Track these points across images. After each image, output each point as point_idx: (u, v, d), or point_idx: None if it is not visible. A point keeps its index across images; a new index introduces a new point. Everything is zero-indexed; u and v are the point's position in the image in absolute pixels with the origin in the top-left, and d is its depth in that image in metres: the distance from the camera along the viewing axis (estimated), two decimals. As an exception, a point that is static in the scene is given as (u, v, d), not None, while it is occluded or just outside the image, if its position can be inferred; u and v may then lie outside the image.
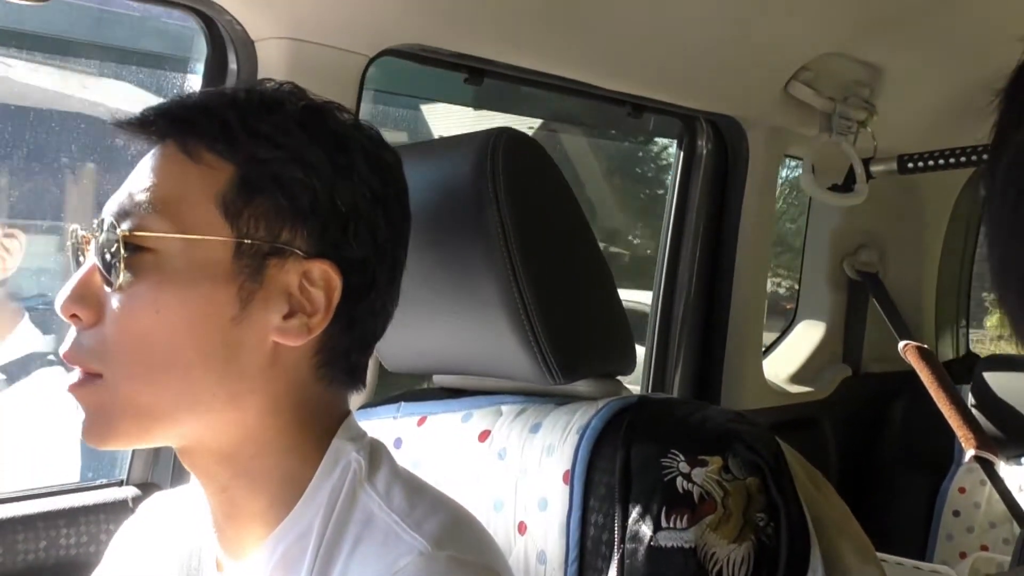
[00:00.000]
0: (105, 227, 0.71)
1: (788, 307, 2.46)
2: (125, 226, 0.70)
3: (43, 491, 1.19)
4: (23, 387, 1.75)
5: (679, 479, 0.84)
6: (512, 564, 0.86)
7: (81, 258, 0.75)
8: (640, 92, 1.67)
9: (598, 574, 0.85)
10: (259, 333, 0.71)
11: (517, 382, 0.97)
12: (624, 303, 1.00)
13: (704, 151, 1.88)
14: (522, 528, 0.91)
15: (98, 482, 1.26)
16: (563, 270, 0.94)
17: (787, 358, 2.24)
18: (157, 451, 1.27)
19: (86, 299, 0.71)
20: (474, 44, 1.38)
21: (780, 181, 2.06)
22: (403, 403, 1.07)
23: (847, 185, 1.95)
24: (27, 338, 1.85)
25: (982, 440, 1.85)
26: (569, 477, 0.88)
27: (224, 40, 1.23)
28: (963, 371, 2.20)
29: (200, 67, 1.26)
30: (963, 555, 2.03)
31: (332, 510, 0.72)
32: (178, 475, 1.23)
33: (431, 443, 1.00)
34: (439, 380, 1.08)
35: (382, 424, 1.05)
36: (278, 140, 0.72)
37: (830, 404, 2.20)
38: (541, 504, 0.90)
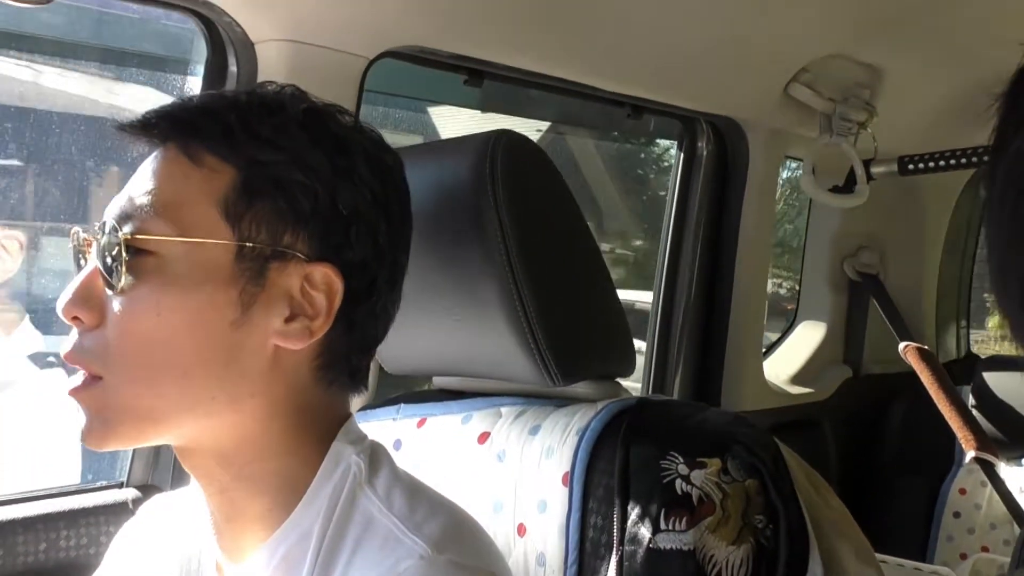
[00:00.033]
0: (107, 230, 0.71)
1: (789, 307, 2.46)
2: (127, 229, 0.70)
3: (43, 493, 1.19)
4: (23, 389, 1.75)
5: (678, 481, 0.84)
6: (512, 566, 0.86)
7: (83, 261, 0.75)
8: (640, 93, 1.67)
9: (597, 576, 0.86)
10: (260, 336, 0.71)
11: (517, 384, 0.97)
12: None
13: (704, 152, 1.88)
14: (521, 530, 0.91)
15: (98, 484, 1.26)
16: (562, 272, 0.94)
17: (787, 359, 2.24)
18: (157, 453, 1.27)
19: (87, 301, 0.71)
20: (474, 46, 1.38)
21: (780, 182, 2.06)
22: (403, 405, 1.07)
23: (847, 186, 1.95)
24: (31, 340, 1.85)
25: (982, 441, 1.85)
26: (568, 479, 0.88)
27: (224, 42, 1.23)
28: (964, 372, 2.20)
29: (200, 69, 1.26)
30: (964, 556, 2.03)
31: (332, 513, 0.72)
32: (178, 477, 1.23)
33: (431, 445, 1.00)
34: (439, 382, 1.08)
35: (382, 426, 1.05)
36: (279, 143, 0.72)
37: (830, 405, 2.20)
38: (540, 506, 0.90)
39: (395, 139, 0.83)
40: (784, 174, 2.44)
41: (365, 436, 0.79)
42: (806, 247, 2.31)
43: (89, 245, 0.73)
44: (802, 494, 0.85)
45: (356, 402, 0.82)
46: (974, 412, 1.97)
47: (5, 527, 1.10)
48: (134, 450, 1.26)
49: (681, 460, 0.84)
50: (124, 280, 0.69)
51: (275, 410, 0.73)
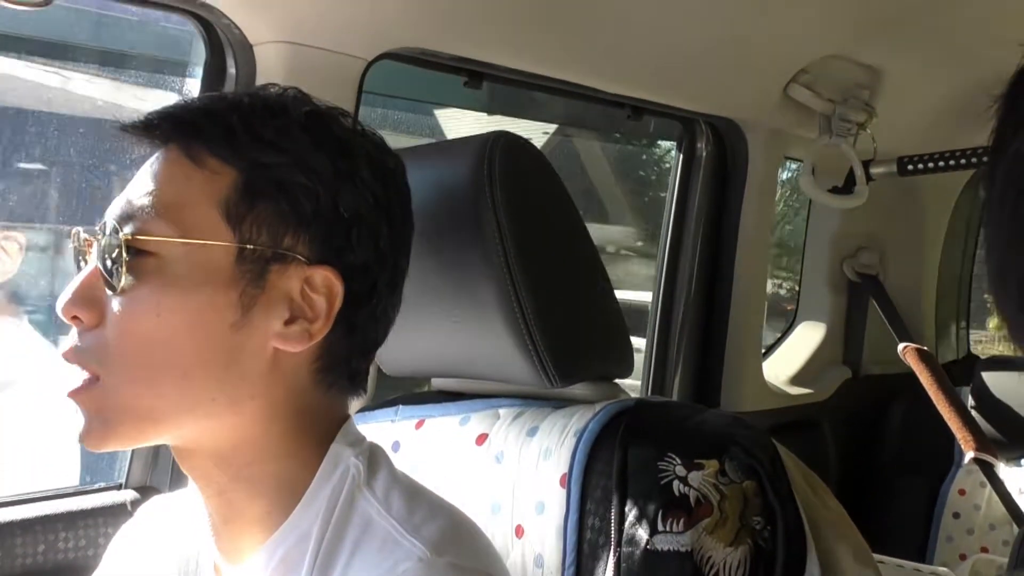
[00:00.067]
0: (108, 230, 0.71)
1: (789, 308, 2.46)
2: (127, 229, 0.70)
3: (41, 495, 1.19)
4: (20, 391, 1.75)
5: (675, 482, 0.84)
6: (510, 567, 0.86)
7: (83, 262, 0.75)
8: (639, 95, 1.67)
9: (595, 578, 0.86)
10: (260, 338, 0.71)
11: (515, 385, 0.97)
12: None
13: (704, 153, 1.88)
14: (519, 531, 0.91)
15: (96, 486, 1.26)
16: (560, 273, 0.94)
17: (787, 360, 2.24)
18: (156, 455, 1.27)
19: (87, 301, 0.71)
20: (473, 47, 1.38)
21: (779, 183, 2.06)
22: (401, 406, 1.07)
23: (847, 187, 1.95)
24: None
25: (981, 442, 1.86)
26: (566, 480, 0.88)
27: (223, 44, 1.23)
28: (963, 373, 2.20)
29: (199, 71, 1.26)
30: (963, 557, 2.03)
31: (331, 515, 0.72)
32: (177, 479, 1.23)
33: (429, 446, 1.00)
34: (437, 383, 1.08)
35: (380, 427, 1.05)
36: (282, 145, 0.72)
37: (830, 406, 2.20)
38: (538, 507, 0.90)
39: (395, 141, 0.83)
40: (783, 175, 2.44)
41: (364, 438, 0.79)
42: (805, 248, 2.31)
43: (90, 245, 0.73)
44: (799, 495, 0.85)
45: (354, 404, 0.82)
46: (973, 413, 1.97)
47: (3, 529, 1.10)
48: (132, 452, 1.26)
49: (679, 461, 0.84)
50: (124, 280, 0.69)
51: (274, 412, 0.73)
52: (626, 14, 1.40)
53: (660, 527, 0.82)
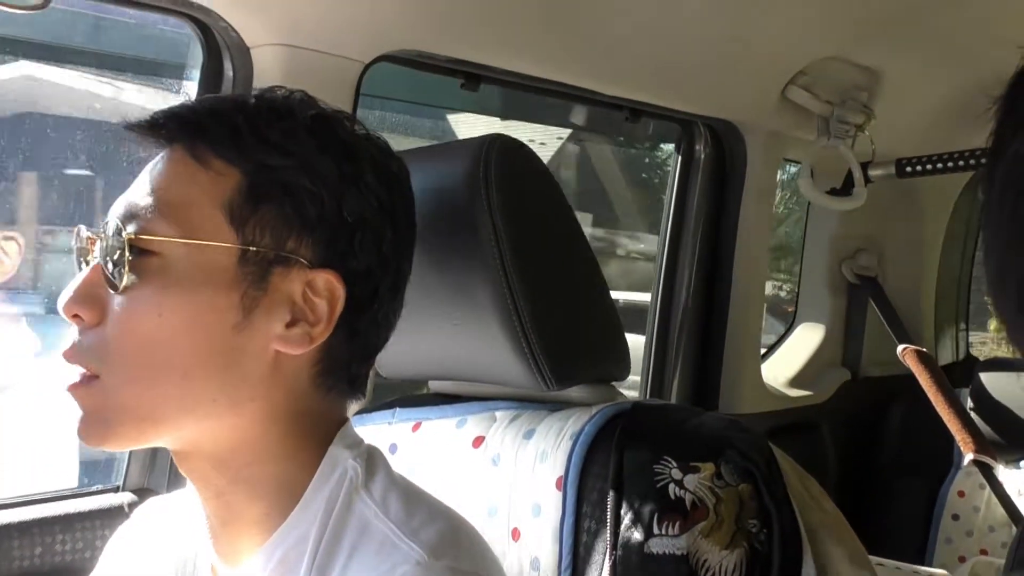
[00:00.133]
0: (111, 229, 0.71)
1: (789, 310, 2.46)
2: (131, 229, 0.70)
3: (39, 497, 1.19)
4: (19, 392, 1.75)
5: (671, 485, 0.83)
6: (506, 570, 0.86)
7: (85, 261, 0.75)
8: (637, 97, 1.67)
9: (591, 580, 0.85)
10: (261, 341, 0.71)
11: (511, 388, 0.97)
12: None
13: (702, 156, 1.88)
14: (516, 534, 0.91)
15: (94, 488, 1.26)
16: (556, 276, 0.94)
17: (786, 362, 2.24)
18: (154, 457, 1.27)
19: (89, 300, 0.71)
20: (470, 49, 1.38)
21: (778, 185, 2.06)
22: (398, 409, 1.07)
23: (845, 189, 1.95)
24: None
25: (981, 444, 1.85)
26: (562, 483, 0.88)
27: (220, 47, 1.23)
28: (962, 375, 2.19)
29: (196, 74, 1.26)
30: (962, 559, 2.02)
31: (328, 517, 0.72)
32: (174, 481, 1.23)
33: (425, 449, 1.00)
34: (434, 386, 1.08)
35: (377, 430, 1.05)
36: (287, 148, 0.72)
37: (829, 408, 2.20)
38: (535, 510, 0.90)
39: (395, 143, 0.83)
40: (782, 176, 2.44)
41: (361, 440, 0.79)
42: (804, 250, 2.31)
43: (93, 244, 0.73)
44: (795, 498, 0.85)
45: (352, 406, 0.82)
46: (972, 415, 1.97)
47: (1, 531, 1.10)
48: (130, 454, 1.26)
49: (675, 465, 0.84)
50: (126, 279, 0.69)
51: (274, 414, 0.73)
52: (624, 16, 1.40)
53: (656, 530, 0.82)
